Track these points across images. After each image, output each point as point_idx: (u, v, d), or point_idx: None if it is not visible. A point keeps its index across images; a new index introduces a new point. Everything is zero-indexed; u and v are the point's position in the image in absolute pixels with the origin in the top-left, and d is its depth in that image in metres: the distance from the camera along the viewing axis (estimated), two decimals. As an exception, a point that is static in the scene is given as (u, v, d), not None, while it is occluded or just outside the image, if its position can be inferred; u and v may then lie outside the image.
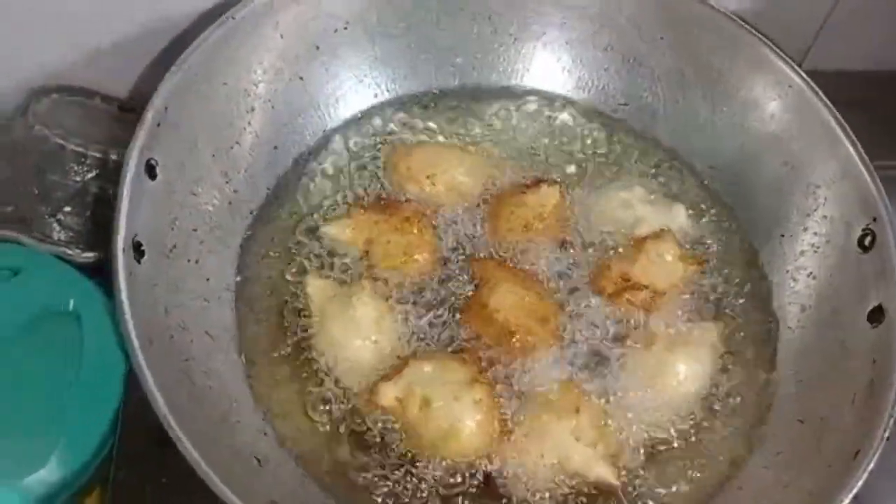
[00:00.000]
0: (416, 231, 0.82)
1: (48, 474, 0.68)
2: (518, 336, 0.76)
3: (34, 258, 0.78)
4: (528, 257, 0.83)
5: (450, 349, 0.77)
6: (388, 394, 0.72)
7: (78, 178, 0.81)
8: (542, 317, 0.78)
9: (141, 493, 0.69)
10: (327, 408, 0.74)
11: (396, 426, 0.73)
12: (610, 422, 0.75)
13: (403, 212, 0.83)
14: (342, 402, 0.74)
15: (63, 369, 0.72)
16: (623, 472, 0.73)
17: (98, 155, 0.82)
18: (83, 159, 0.81)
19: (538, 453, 0.72)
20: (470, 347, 0.77)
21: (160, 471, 0.69)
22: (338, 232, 0.82)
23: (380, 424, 0.73)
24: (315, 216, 0.84)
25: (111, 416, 0.72)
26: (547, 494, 0.72)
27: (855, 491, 0.65)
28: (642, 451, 0.75)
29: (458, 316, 0.79)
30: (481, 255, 0.83)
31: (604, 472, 0.72)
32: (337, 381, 0.75)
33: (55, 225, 0.81)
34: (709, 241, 0.88)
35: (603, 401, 0.76)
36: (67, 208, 0.81)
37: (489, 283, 0.79)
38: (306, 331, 0.77)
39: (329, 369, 0.75)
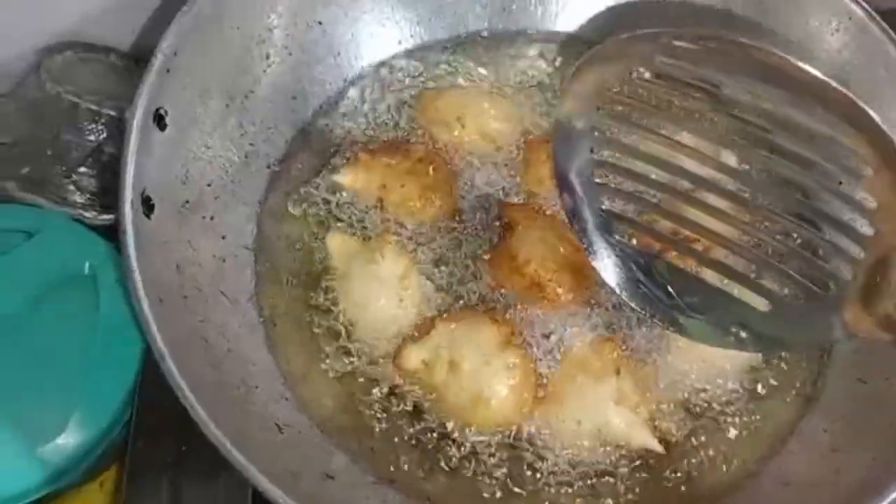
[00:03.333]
0: (431, 173, 0.77)
1: (65, 442, 0.66)
2: (548, 290, 0.72)
3: (49, 221, 0.76)
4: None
5: (481, 308, 0.73)
6: (414, 357, 0.69)
7: (93, 138, 0.80)
8: (576, 269, 0.73)
9: (160, 461, 0.66)
10: (351, 370, 0.71)
11: (423, 391, 0.70)
12: (654, 383, 0.71)
13: (416, 152, 0.78)
14: (367, 365, 0.71)
15: (79, 333, 0.70)
16: (668, 437, 0.70)
17: (113, 113, 0.80)
18: (97, 118, 0.80)
19: (575, 420, 0.68)
20: (502, 306, 0.73)
21: (179, 440, 0.66)
22: (348, 179, 0.77)
23: (407, 388, 0.70)
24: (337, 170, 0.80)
25: (130, 381, 0.69)
26: (585, 462, 0.68)
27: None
28: (689, 413, 0.71)
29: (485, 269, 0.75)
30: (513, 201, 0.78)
31: (648, 439, 0.68)
32: (361, 343, 0.72)
33: (71, 186, 0.79)
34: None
35: (646, 361, 0.72)
36: (83, 169, 0.79)
37: (518, 231, 0.74)
38: (328, 290, 0.74)
39: (352, 330, 0.72)
